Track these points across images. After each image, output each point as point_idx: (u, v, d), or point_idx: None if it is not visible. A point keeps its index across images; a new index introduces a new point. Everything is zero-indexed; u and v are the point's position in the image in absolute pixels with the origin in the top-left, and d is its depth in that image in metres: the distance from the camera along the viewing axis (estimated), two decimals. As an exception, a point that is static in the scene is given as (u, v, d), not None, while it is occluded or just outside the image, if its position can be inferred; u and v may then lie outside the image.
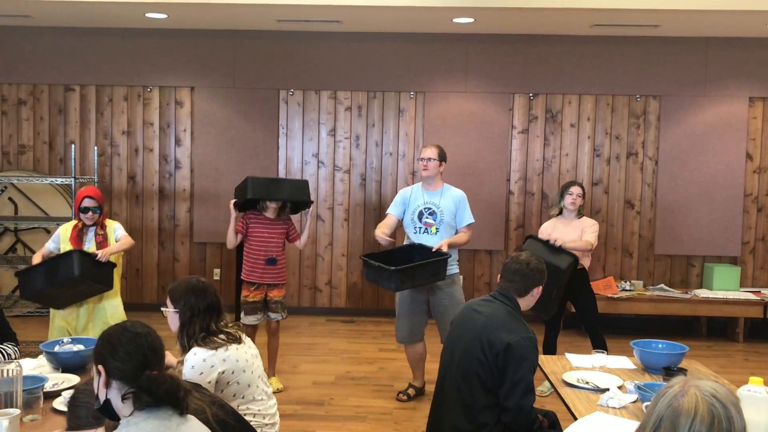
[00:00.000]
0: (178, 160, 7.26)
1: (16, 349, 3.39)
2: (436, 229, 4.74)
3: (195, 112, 7.20)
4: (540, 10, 5.89)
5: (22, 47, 7.15)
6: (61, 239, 4.49)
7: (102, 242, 4.47)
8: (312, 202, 5.12)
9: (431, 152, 4.83)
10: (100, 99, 7.24)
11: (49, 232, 6.83)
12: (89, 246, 4.45)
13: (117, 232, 4.57)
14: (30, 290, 4.37)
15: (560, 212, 5.15)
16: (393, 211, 4.90)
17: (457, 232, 4.85)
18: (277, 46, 7.11)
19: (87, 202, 4.42)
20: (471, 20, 6.39)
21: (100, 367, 1.96)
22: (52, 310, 4.56)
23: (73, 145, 6.13)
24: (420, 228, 4.78)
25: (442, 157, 4.86)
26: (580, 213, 5.13)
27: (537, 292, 3.17)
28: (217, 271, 7.30)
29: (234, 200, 4.99)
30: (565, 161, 7.13)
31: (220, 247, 7.21)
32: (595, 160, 7.13)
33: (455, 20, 6.40)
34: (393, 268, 4.35)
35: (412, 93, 7.14)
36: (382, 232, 4.74)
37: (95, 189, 4.52)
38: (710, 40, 6.94)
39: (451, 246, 4.64)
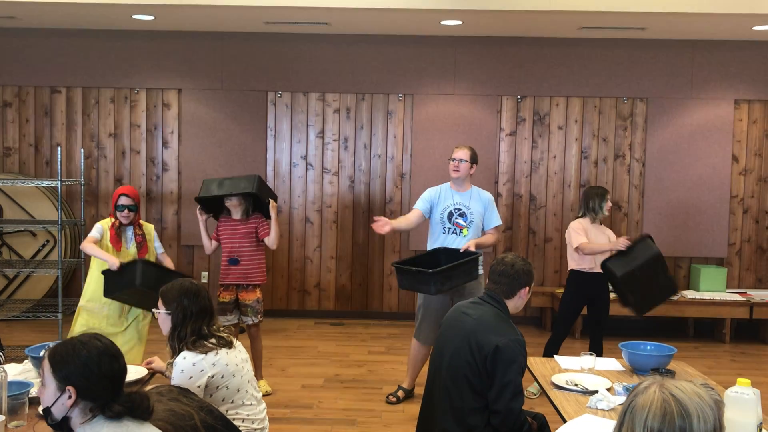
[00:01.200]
0: (165, 162, 7.22)
1: (0, 354, 3.36)
2: (467, 230, 4.74)
3: (182, 114, 7.17)
4: (528, 12, 5.91)
5: (7, 49, 7.10)
6: (104, 233, 4.52)
7: (142, 242, 4.53)
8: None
9: (463, 153, 4.83)
10: (86, 101, 7.19)
11: (35, 235, 6.78)
12: (130, 246, 4.50)
13: (156, 243, 4.66)
14: (132, 283, 4.26)
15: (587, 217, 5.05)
16: (419, 207, 4.85)
17: (483, 233, 4.86)
18: (265, 48, 7.09)
19: (123, 200, 4.46)
20: (459, 23, 6.40)
21: (71, 388, 1.90)
22: (78, 311, 4.56)
23: (59, 148, 6.08)
24: (449, 228, 4.78)
25: (473, 160, 4.87)
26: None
27: (524, 293, 3.17)
28: (204, 274, 7.26)
29: (199, 206, 5.00)
30: (552, 163, 7.16)
31: (207, 249, 7.17)
32: (582, 162, 7.16)
33: (443, 22, 6.40)
34: (431, 270, 4.31)
35: (400, 95, 7.15)
36: (385, 223, 4.64)
37: (132, 188, 4.58)
38: (696, 42, 6.99)
39: (477, 246, 4.66)
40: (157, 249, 4.65)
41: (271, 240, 4.90)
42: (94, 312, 4.48)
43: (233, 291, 4.92)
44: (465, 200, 4.83)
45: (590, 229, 4.99)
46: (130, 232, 4.52)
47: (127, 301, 4.43)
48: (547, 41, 7.01)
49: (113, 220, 4.51)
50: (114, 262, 4.27)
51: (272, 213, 4.88)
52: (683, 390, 1.51)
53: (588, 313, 5.18)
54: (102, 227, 4.51)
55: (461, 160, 4.80)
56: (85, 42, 7.08)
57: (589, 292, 5.03)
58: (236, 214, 4.97)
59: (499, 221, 4.92)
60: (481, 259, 4.71)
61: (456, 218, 4.79)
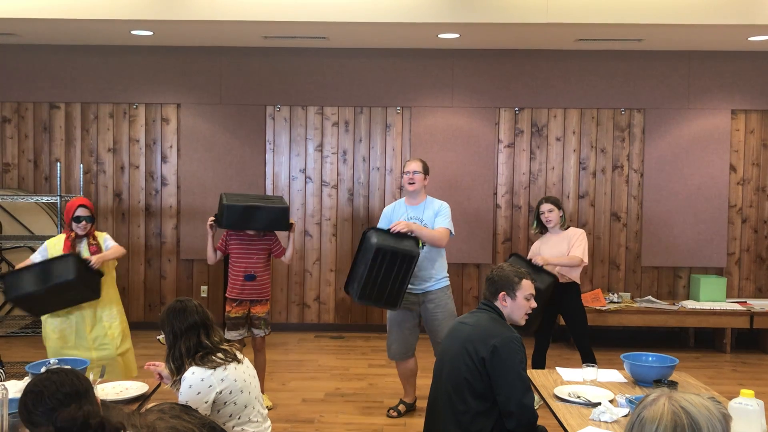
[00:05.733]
0: (164, 177, 7.23)
1: (0, 370, 3.34)
2: (423, 244, 4.71)
3: (181, 129, 7.18)
4: (524, 25, 5.94)
5: (6, 65, 7.11)
6: (49, 252, 4.46)
7: (96, 252, 4.49)
8: (289, 228, 4.95)
9: (417, 165, 4.84)
10: (85, 116, 7.21)
11: (34, 251, 6.76)
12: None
13: (107, 242, 4.60)
14: (17, 292, 4.25)
15: (542, 231, 5.17)
16: (382, 225, 4.86)
17: None
18: (264, 63, 7.12)
19: (80, 212, 4.44)
20: (456, 36, 6.43)
21: None
22: (44, 332, 4.51)
23: (58, 163, 6.09)
24: None
25: (426, 171, 4.89)
26: (563, 225, 5.14)
27: (501, 298, 3.20)
28: (204, 288, 7.25)
29: (212, 220, 4.90)
30: (551, 175, 7.17)
31: (207, 264, 7.14)
32: (581, 173, 7.17)
33: (441, 36, 6.44)
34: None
35: (398, 108, 7.17)
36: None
37: (86, 199, 4.56)
38: (693, 53, 7.03)
39: (415, 231, 4.58)
40: (107, 249, 4.57)
41: (287, 257, 5.03)
42: (62, 331, 4.47)
43: (246, 306, 4.93)
44: (418, 213, 4.80)
45: (539, 243, 5.17)
46: (84, 243, 4.49)
47: (54, 305, 4.35)
48: (544, 53, 7.05)
49: (67, 233, 4.48)
50: None
51: (292, 234, 4.98)
52: (692, 403, 1.52)
53: (566, 324, 5.19)
54: (47, 247, 4.47)
55: (415, 172, 4.80)
56: (83, 58, 7.10)
57: (556, 301, 4.99)
58: (252, 230, 4.96)
59: (447, 225, 4.73)
60: (444, 271, 4.78)
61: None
